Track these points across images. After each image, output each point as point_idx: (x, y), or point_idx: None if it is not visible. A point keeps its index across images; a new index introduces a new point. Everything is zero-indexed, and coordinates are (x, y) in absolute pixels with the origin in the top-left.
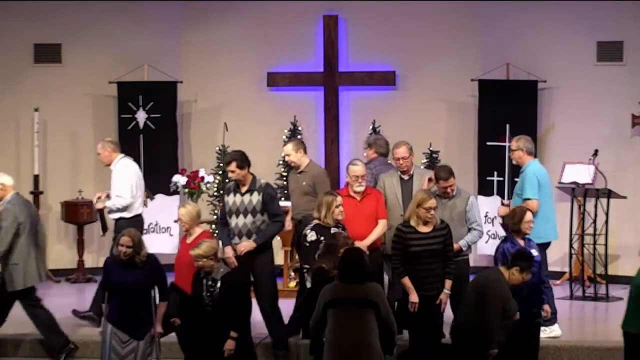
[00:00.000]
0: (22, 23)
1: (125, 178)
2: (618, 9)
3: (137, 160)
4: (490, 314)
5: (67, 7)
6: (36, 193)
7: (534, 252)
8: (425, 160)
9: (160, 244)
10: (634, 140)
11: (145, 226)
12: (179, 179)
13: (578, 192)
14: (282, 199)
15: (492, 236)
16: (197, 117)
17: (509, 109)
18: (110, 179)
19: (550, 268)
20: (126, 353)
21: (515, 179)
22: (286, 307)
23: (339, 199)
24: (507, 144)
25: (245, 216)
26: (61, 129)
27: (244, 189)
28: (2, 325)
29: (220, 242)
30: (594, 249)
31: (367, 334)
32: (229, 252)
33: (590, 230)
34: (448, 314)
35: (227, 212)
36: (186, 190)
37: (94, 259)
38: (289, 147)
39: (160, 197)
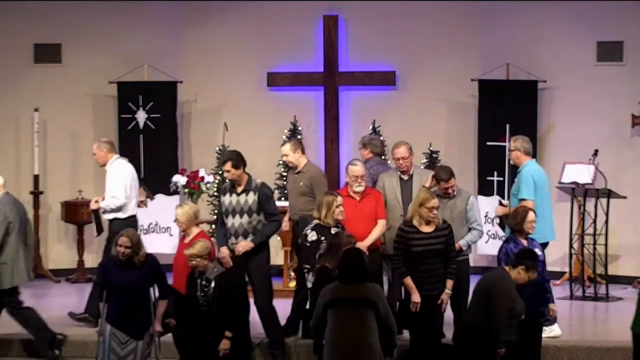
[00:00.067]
0: (22, 23)
1: (119, 179)
2: (618, 9)
3: (137, 160)
4: (497, 314)
5: (67, 7)
6: (36, 193)
7: (538, 252)
8: (425, 160)
9: (160, 244)
10: (634, 140)
11: (145, 226)
12: (179, 179)
13: (578, 192)
14: (282, 199)
15: (492, 236)
16: (197, 117)
17: (509, 109)
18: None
19: (550, 268)
20: (125, 354)
21: (515, 179)
22: (286, 307)
23: (339, 199)
24: (507, 144)
25: (241, 216)
26: (61, 129)
27: (239, 189)
28: None
29: (217, 242)
30: (594, 249)
31: (367, 334)
32: (224, 252)
33: (590, 230)
34: (448, 314)
35: (224, 212)
36: (186, 190)
37: (94, 259)
38: (287, 147)
39: (160, 197)
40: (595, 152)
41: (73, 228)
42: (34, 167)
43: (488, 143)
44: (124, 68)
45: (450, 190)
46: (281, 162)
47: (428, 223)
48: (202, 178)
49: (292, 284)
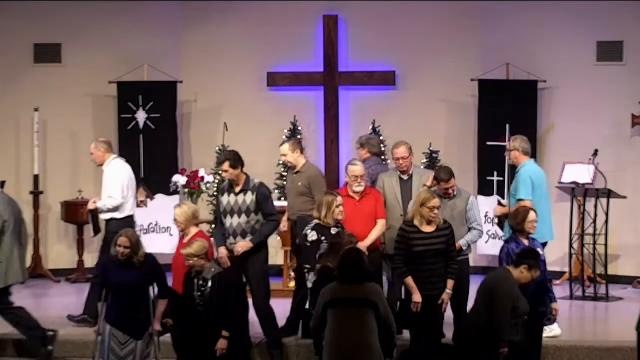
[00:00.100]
0: (22, 23)
1: (116, 179)
2: (618, 9)
3: (137, 160)
4: (500, 314)
5: (67, 7)
6: (36, 193)
7: (540, 251)
8: (425, 160)
9: (160, 244)
10: (634, 140)
11: (146, 226)
12: (179, 179)
13: (578, 192)
14: (282, 199)
15: (492, 236)
16: (197, 117)
17: (509, 109)
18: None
19: (550, 268)
20: (125, 354)
21: (514, 180)
22: (286, 307)
23: (340, 199)
24: (507, 144)
25: (239, 216)
26: (61, 129)
27: (237, 189)
28: None
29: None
30: (594, 249)
31: (367, 334)
32: (222, 252)
33: (590, 230)
34: (448, 314)
35: (222, 212)
36: (186, 190)
37: (94, 259)
38: (286, 147)
39: (160, 197)
40: (595, 152)
41: (73, 228)
42: (34, 167)
43: (488, 143)
44: (124, 68)
45: (450, 191)
46: (281, 162)
47: (429, 223)
48: (202, 178)
49: (292, 284)
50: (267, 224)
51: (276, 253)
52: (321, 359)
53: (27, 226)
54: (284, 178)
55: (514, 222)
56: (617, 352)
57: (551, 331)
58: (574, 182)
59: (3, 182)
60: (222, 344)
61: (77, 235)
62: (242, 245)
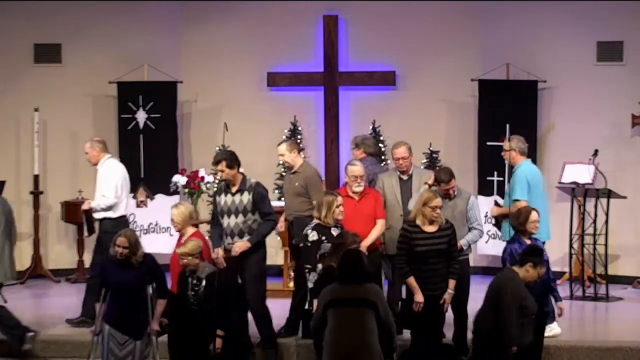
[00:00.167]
0: (22, 23)
1: (110, 178)
2: (618, 9)
3: (137, 160)
4: (507, 314)
5: (67, 7)
6: (36, 193)
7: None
8: (425, 160)
9: (160, 244)
10: (634, 140)
11: (145, 226)
12: (179, 179)
13: (578, 192)
14: (282, 199)
15: (492, 236)
16: (197, 117)
17: (509, 109)
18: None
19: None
20: (124, 354)
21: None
22: (286, 307)
23: (340, 198)
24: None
25: (236, 216)
26: (61, 129)
27: (234, 189)
28: None
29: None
30: (594, 249)
31: (367, 334)
32: (218, 253)
33: (590, 230)
34: (448, 314)
35: (219, 212)
36: (186, 190)
37: None
38: (283, 147)
39: (160, 197)
40: (595, 152)
41: (73, 228)
42: (34, 167)
43: (488, 143)
44: (124, 68)
45: (450, 192)
46: (281, 162)
47: (431, 223)
48: (202, 178)
49: (292, 283)
50: (265, 223)
51: (276, 253)
52: (320, 359)
53: (16, 226)
54: (284, 178)
55: (516, 222)
56: (617, 352)
57: (551, 330)
58: (574, 182)
59: (3, 183)
60: (217, 343)
61: (77, 235)
62: (240, 245)
